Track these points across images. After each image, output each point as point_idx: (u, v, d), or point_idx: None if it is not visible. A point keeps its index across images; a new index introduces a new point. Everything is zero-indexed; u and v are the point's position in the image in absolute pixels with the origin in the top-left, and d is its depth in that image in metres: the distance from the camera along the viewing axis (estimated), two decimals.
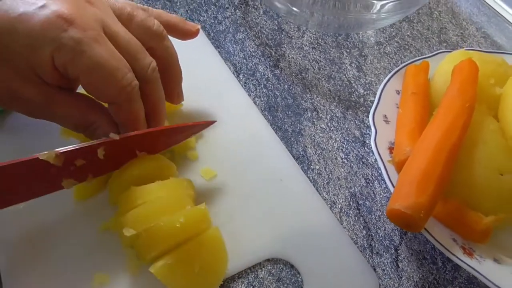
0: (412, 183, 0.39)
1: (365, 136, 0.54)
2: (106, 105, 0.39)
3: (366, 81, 0.60)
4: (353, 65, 0.62)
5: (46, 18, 0.33)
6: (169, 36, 0.44)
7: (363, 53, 0.64)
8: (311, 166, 0.50)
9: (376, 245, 0.45)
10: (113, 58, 0.35)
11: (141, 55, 0.38)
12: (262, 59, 0.60)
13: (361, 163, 0.51)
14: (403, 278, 0.43)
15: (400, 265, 0.44)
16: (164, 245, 0.36)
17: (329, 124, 0.54)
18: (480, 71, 0.48)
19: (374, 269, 0.43)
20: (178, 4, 0.66)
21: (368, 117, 0.50)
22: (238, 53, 0.60)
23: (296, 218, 0.44)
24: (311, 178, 0.49)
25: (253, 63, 0.60)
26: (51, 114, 0.38)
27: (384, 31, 0.68)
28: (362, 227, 0.46)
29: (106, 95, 0.37)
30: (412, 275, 0.43)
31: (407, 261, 0.44)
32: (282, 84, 0.58)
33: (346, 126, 0.54)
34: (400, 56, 0.65)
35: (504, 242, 0.44)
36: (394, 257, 0.44)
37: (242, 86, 0.56)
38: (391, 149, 0.47)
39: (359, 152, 0.52)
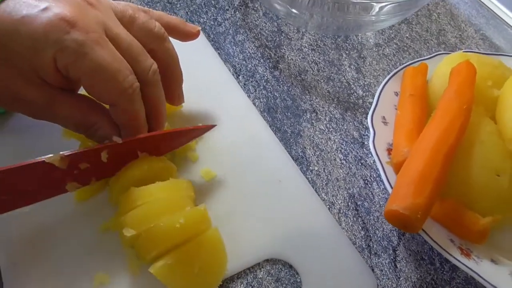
0: (410, 184, 0.40)
1: (363, 137, 0.54)
2: (107, 106, 0.39)
3: (365, 83, 0.60)
4: (352, 66, 0.62)
5: (49, 21, 0.33)
6: (170, 38, 0.44)
7: (362, 55, 0.64)
8: (310, 167, 0.50)
9: (375, 246, 0.45)
10: (115, 60, 0.35)
11: (142, 57, 0.39)
12: (262, 60, 0.61)
13: (360, 164, 0.51)
14: (401, 279, 0.43)
15: (398, 266, 0.44)
16: (164, 246, 0.36)
17: (328, 125, 0.55)
18: (478, 73, 0.49)
19: (372, 270, 0.43)
20: (178, 6, 0.66)
21: (366, 118, 0.50)
22: (238, 54, 0.61)
23: (295, 219, 0.44)
24: (310, 179, 0.49)
25: (253, 65, 0.60)
26: (53, 115, 0.38)
27: (383, 33, 0.69)
28: (360, 227, 0.46)
29: (107, 97, 0.37)
30: (410, 276, 0.44)
31: (405, 261, 0.44)
32: (281, 86, 0.58)
33: (345, 127, 0.55)
34: (399, 57, 0.65)
35: (501, 242, 0.44)
36: (392, 257, 0.44)
37: (242, 87, 0.56)
38: (389, 151, 0.47)
39: (357, 153, 0.52)
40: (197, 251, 0.37)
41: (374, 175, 0.51)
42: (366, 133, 0.54)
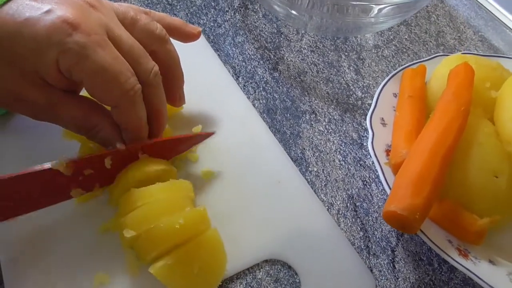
0: (408, 185, 0.40)
1: (362, 138, 0.54)
2: (108, 108, 0.40)
3: (364, 84, 0.61)
4: (351, 68, 0.63)
5: (52, 23, 0.33)
6: (171, 40, 0.44)
7: (361, 56, 0.65)
8: (309, 168, 0.50)
9: (373, 247, 0.45)
10: (117, 62, 0.36)
11: (143, 59, 0.39)
12: (261, 62, 0.61)
13: (359, 165, 0.52)
14: (399, 279, 0.43)
15: (396, 266, 0.44)
16: (164, 246, 0.36)
17: (327, 126, 0.55)
18: (476, 74, 0.49)
19: (371, 270, 0.43)
20: (178, 7, 0.67)
21: (365, 119, 0.50)
22: (238, 56, 0.61)
23: (294, 220, 0.44)
24: (309, 180, 0.49)
25: (252, 66, 0.60)
26: (54, 116, 0.38)
27: (382, 34, 0.69)
28: (359, 228, 0.46)
29: (109, 99, 0.37)
30: (408, 276, 0.44)
31: (403, 262, 0.45)
32: (281, 87, 0.58)
33: (344, 128, 0.55)
34: (398, 59, 0.65)
35: (499, 243, 0.44)
36: (390, 258, 0.45)
37: (241, 89, 0.56)
38: (388, 152, 0.48)
39: (356, 154, 0.53)
40: (197, 251, 0.37)
41: (373, 176, 0.51)
42: (365, 134, 0.55)
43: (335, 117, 0.56)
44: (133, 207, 0.38)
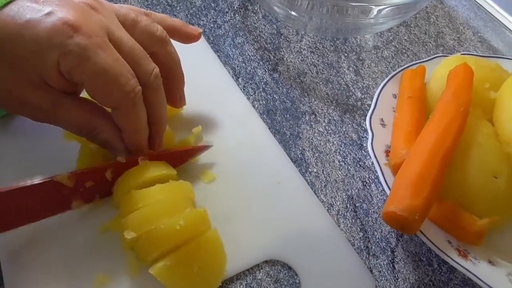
0: (408, 185, 0.40)
1: (362, 139, 0.54)
2: (109, 110, 0.40)
3: (364, 85, 0.61)
4: (350, 69, 0.63)
5: (52, 25, 0.33)
6: (171, 41, 0.45)
7: (360, 57, 0.65)
8: (309, 169, 0.50)
9: (373, 247, 0.45)
10: (117, 64, 0.36)
11: (144, 61, 0.39)
12: (261, 63, 0.61)
13: (358, 166, 0.52)
14: (399, 280, 0.44)
15: (396, 267, 0.44)
16: (164, 247, 0.36)
17: (326, 127, 0.55)
18: (475, 75, 0.49)
19: (371, 271, 0.44)
20: (178, 8, 0.67)
21: (365, 120, 0.51)
22: (237, 57, 0.61)
23: (294, 220, 0.44)
24: (308, 180, 0.49)
25: (252, 67, 0.60)
26: (55, 118, 0.38)
27: (382, 35, 0.69)
28: (359, 229, 0.47)
29: (109, 100, 0.37)
30: (408, 277, 0.44)
31: (403, 262, 0.45)
32: (280, 88, 0.58)
33: (344, 129, 0.55)
34: (398, 60, 0.65)
35: (499, 244, 0.45)
36: (390, 258, 0.45)
37: (241, 89, 0.56)
38: (387, 152, 0.48)
39: (356, 155, 0.53)
40: (197, 252, 0.37)
41: (373, 177, 0.51)
42: (365, 135, 0.55)
43: (335, 118, 0.56)
44: (133, 208, 0.38)
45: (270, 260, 0.42)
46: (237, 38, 0.64)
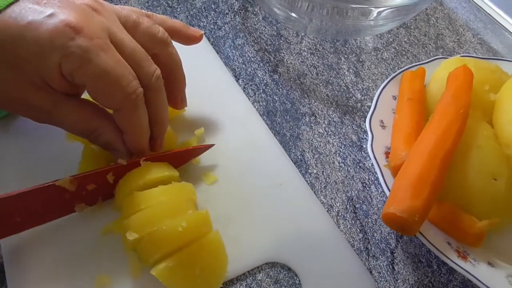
0: (407, 187, 0.40)
1: (362, 141, 0.55)
2: (111, 111, 0.40)
3: (364, 87, 0.61)
4: (350, 70, 0.63)
5: (54, 27, 0.33)
6: (173, 42, 0.45)
7: (360, 59, 0.65)
8: (309, 170, 0.51)
9: (373, 248, 0.45)
10: (119, 66, 0.36)
11: (145, 62, 0.39)
12: (261, 64, 0.61)
13: (358, 167, 0.52)
14: (398, 281, 0.44)
15: (396, 268, 0.44)
16: (166, 249, 0.36)
17: (326, 128, 0.55)
18: (475, 77, 0.49)
19: (370, 272, 0.44)
20: (179, 9, 0.67)
21: (365, 122, 0.51)
22: (238, 58, 0.61)
23: (294, 221, 0.44)
24: (308, 182, 0.49)
25: (252, 68, 0.60)
26: (56, 119, 0.38)
27: (382, 37, 0.69)
28: (358, 230, 0.47)
29: (111, 102, 0.37)
30: (407, 278, 0.44)
31: (402, 264, 0.45)
32: (280, 89, 0.58)
33: (344, 131, 0.55)
34: (397, 62, 0.65)
35: (498, 245, 0.45)
36: (390, 260, 0.45)
37: (241, 91, 0.56)
38: (387, 154, 0.48)
39: (356, 156, 0.53)
40: (199, 253, 0.37)
41: (372, 178, 0.51)
42: (365, 136, 0.55)
43: (335, 119, 0.56)
44: (136, 210, 0.38)
45: (270, 261, 0.42)
46: (237, 39, 0.64)
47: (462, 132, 0.45)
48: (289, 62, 0.62)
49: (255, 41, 0.64)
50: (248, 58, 0.62)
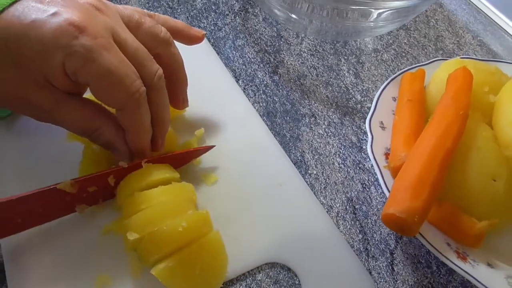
0: (407, 188, 0.40)
1: (361, 142, 0.55)
2: (113, 110, 0.40)
3: (363, 88, 0.61)
4: (350, 72, 0.63)
5: (58, 26, 0.34)
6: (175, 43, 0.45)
7: (360, 60, 0.65)
8: (309, 171, 0.51)
9: (372, 249, 0.46)
10: (122, 65, 0.36)
11: (148, 62, 0.39)
12: (261, 65, 0.61)
13: (358, 168, 0.52)
14: (398, 282, 0.44)
15: (395, 269, 0.45)
16: (167, 249, 0.36)
17: (326, 129, 0.55)
18: (475, 79, 0.49)
19: (370, 273, 0.44)
20: (179, 10, 0.67)
21: (365, 123, 0.51)
22: (238, 59, 0.61)
23: (295, 222, 0.45)
24: (308, 182, 0.49)
25: (252, 69, 0.60)
26: (58, 118, 0.39)
27: (382, 38, 0.69)
28: (358, 231, 0.47)
29: (114, 101, 0.38)
30: (407, 279, 0.44)
31: (402, 264, 0.45)
32: (280, 90, 0.59)
33: (343, 132, 0.55)
34: (397, 63, 0.66)
35: (497, 246, 0.45)
36: (389, 260, 0.45)
37: (241, 91, 0.56)
38: (387, 155, 0.48)
39: (356, 157, 0.53)
40: (199, 253, 0.37)
41: (372, 179, 0.51)
42: (364, 137, 0.55)
43: (335, 121, 0.56)
44: (136, 210, 0.38)
45: (270, 262, 0.42)
46: (238, 40, 0.64)
47: (462, 133, 0.45)
48: (289, 63, 0.62)
49: (255, 42, 0.64)
50: (248, 59, 0.62)
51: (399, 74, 0.56)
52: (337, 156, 0.53)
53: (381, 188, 0.47)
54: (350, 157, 0.53)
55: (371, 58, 0.66)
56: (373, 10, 0.55)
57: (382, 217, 0.40)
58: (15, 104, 0.38)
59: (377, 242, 0.46)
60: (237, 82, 0.58)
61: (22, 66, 0.35)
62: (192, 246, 0.37)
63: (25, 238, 0.40)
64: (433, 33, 0.72)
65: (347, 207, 0.48)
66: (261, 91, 0.58)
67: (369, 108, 0.57)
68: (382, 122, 0.51)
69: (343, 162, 0.52)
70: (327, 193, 0.49)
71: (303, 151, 0.52)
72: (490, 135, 0.47)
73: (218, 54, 0.61)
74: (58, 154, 0.45)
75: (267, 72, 0.60)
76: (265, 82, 0.59)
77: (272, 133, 0.53)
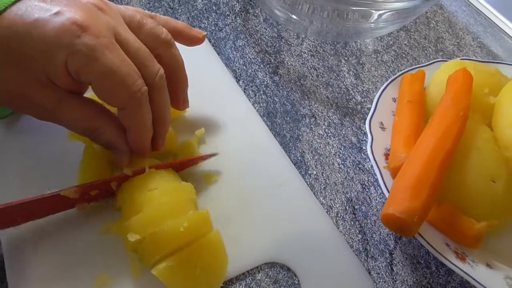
0: (407, 188, 0.40)
1: (361, 142, 0.55)
2: (113, 110, 0.40)
3: (364, 89, 0.61)
4: (350, 72, 0.63)
5: (61, 25, 0.34)
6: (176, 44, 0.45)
7: (360, 61, 0.65)
8: (309, 171, 0.51)
9: (371, 249, 0.46)
10: (124, 65, 0.36)
11: (149, 62, 0.39)
12: (262, 65, 0.61)
13: (358, 168, 0.52)
14: (397, 282, 0.44)
15: (394, 269, 0.45)
16: (167, 249, 0.36)
17: (326, 130, 0.55)
18: (475, 80, 0.49)
19: (369, 273, 0.44)
20: (180, 11, 0.67)
21: (365, 124, 0.51)
22: (238, 59, 0.62)
23: (294, 222, 0.45)
24: (308, 183, 0.50)
25: (253, 70, 0.61)
26: (59, 117, 0.39)
27: (382, 39, 0.70)
28: (357, 231, 0.47)
29: (116, 100, 0.38)
30: (406, 279, 0.44)
31: (401, 265, 0.45)
32: (281, 91, 0.59)
33: (343, 132, 0.55)
34: (397, 64, 0.66)
35: (496, 247, 0.45)
36: (388, 261, 0.45)
37: (242, 92, 0.56)
38: (386, 156, 0.48)
39: (355, 158, 0.53)
40: (199, 253, 0.37)
41: (372, 180, 0.51)
42: (364, 138, 0.55)
43: (335, 121, 0.56)
44: (137, 211, 0.38)
45: (269, 262, 0.42)
46: (238, 41, 0.64)
47: (462, 134, 0.45)
48: (289, 63, 0.63)
49: (256, 42, 0.65)
50: (248, 59, 0.62)
51: (399, 75, 0.56)
52: (337, 156, 0.53)
53: (381, 189, 0.48)
54: (350, 157, 0.53)
55: (372, 59, 0.66)
56: (373, 11, 0.55)
57: (382, 217, 0.40)
58: (17, 103, 0.38)
59: (376, 242, 0.46)
60: (237, 82, 0.58)
61: (25, 65, 0.35)
62: (193, 245, 0.37)
63: (25, 238, 0.40)
64: (433, 35, 0.72)
65: (347, 207, 0.48)
66: (262, 92, 0.58)
67: (369, 109, 0.57)
68: (382, 123, 0.51)
69: (343, 162, 0.52)
70: (326, 193, 0.49)
71: (303, 152, 0.53)
72: (490, 136, 0.47)
73: (218, 54, 0.61)
74: (59, 153, 0.45)
75: (267, 73, 0.61)
76: (266, 83, 0.59)
77: (272, 133, 0.53)
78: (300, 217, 0.45)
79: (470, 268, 0.40)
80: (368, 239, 0.46)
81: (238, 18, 0.68)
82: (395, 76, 0.56)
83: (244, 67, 0.61)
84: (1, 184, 0.43)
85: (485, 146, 0.46)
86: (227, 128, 0.51)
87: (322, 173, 0.51)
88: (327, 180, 0.50)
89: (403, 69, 0.59)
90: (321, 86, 0.60)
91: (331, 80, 0.61)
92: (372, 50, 0.67)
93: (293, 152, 0.52)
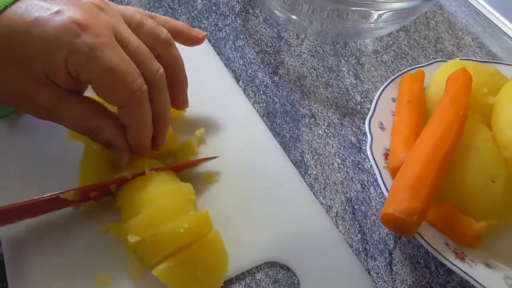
0: (406, 188, 0.40)
1: (361, 142, 0.55)
2: (113, 109, 0.40)
3: (363, 89, 0.61)
4: (350, 73, 0.63)
5: (61, 23, 0.34)
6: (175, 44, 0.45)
7: (360, 61, 0.65)
8: (308, 171, 0.51)
9: (371, 249, 0.46)
10: (124, 64, 0.36)
11: (149, 61, 0.39)
12: (262, 66, 0.62)
13: (357, 168, 0.52)
14: (396, 282, 0.44)
15: (394, 269, 0.45)
16: (168, 250, 0.37)
17: (326, 130, 0.55)
18: (474, 80, 0.49)
19: (369, 272, 0.44)
20: (180, 11, 0.67)
21: (364, 124, 0.51)
22: (238, 60, 0.62)
23: (294, 222, 0.45)
24: (308, 183, 0.50)
25: (253, 70, 0.61)
26: (59, 116, 0.39)
27: (382, 40, 0.70)
28: (357, 231, 0.47)
29: (116, 99, 0.38)
30: (405, 279, 0.44)
31: (401, 265, 0.45)
32: (280, 91, 0.59)
33: (343, 132, 0.56)
34: (397, 64, 0.66)
35: (496, 247, 0.45)
36: (388, 260, 0.45)
37: (242, 92, 0.57)
38: (386, 156, 0.48)
39: (355, 158, 0.53)
40: (199, 253, 0.37)
41: (371, 180, 0.51)
42: (364, 138, 0.55)
43: (334, 121, 0.57)
44: (137, 212, 0.38)
45: (269, 261, 0.42)
46: (238, 41, 0.64)
47: (461, 134, 0.45)
48: (289, 64, 0.63)
49: (256, 43, 0.65)
50: (248, 59, 0.62)
51: (398, 75, 0.56)
52: (336, 156, 0.53)
53: (380, 189, 0.48)
54: (350, 157, 0.53)
55: (371, 59, 0.66)
56: (373, 11, 0.55)
57: (381, 217, 0.40)
58: (17, 102, 0.38)
59: (376, 242, 0.46)
60: (237, 82, 0.58)
61: (25, 64, 0.35)
62: (193, 246, 0.37)
63: (25, 238, 0.40)
64: (433, 35, 0.72)
65: (346, 207, 0.49)
66: (261, 92, 0.58)
67: (368, 109, 0.57)
68: (381, 123, 0.51)
69: (342, 162, 0.52)
70: (326, 193, 0.49)
71: (303, 152, 0.53)
72: (489, 136, 0.47)
73: (218, 54, 0.61)
74: (59, 152, 0.45)
75: (267, 73, 0.61)
76: (265, 83, 0.59)
77: (272, 133, 0.53)
78: (300, 217, 0.45)
79: (470, 267, 0.40)
80: (368, 239, 0.46)
81: (238, 18, 0.68)
82: (394, 76, 0.56)
83: (244, 67, 0.61)
84: (1, 183, 0.43)
85: (485, 145, 0.46)
86: (227, 128, 0.51)
87: (322, 173, 0.51)
88: (327, 180, 0.50)
89: (403, 69, 0.59)
90: (320, 86, 0.60)
91: (331, 80, 0.62)
92: (371, 50, 0.67)
93: (293, 152, 0.52)
